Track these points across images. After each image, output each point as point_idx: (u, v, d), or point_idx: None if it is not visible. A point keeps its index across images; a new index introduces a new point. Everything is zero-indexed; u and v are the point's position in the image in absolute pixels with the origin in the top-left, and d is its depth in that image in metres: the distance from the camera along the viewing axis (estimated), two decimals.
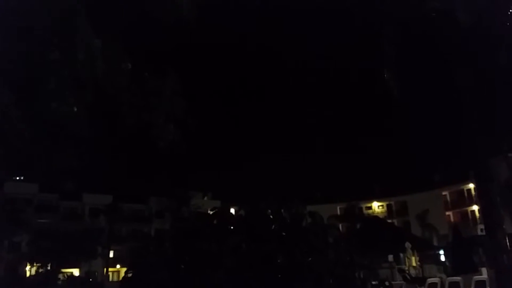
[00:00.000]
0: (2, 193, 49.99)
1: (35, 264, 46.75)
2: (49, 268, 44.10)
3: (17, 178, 56.45)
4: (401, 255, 29.07)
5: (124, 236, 56.35)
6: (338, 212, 62.29)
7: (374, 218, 43.72)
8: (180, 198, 58.85)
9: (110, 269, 54.47)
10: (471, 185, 57.59)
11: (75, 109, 6.65)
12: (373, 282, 6.81)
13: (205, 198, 65.17)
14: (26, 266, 47.38)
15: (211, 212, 6.45)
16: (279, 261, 5.12)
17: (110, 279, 52.12)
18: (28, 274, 46.43)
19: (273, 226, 5.79)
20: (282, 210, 6.06)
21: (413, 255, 26.15)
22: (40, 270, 44.82)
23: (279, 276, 5.28)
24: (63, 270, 45.86)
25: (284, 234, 5.58)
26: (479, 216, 55.13)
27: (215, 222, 6.02)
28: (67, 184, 54.11)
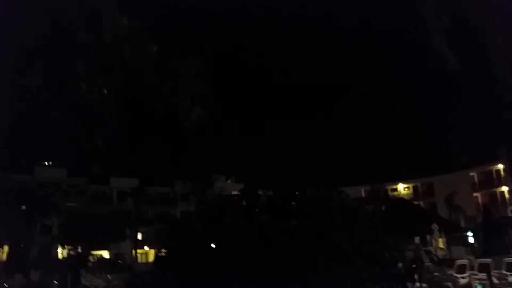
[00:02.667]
0: (33, 178, 51.55)
1: (66, 247, 48.26)
2: (79, 250, 45.47)
3: (46, 163, 58.22)
4: (428, 237, 28.73)
5: (151, 218, 57.53)
6: (363, 194, 61.80)
7: (400, 200, 43.18)
8: (204, 181, 59.55)
9: (138, 251, 55.88)
10: (501, 166, 56.20)
11: (104, 91, 6.70)
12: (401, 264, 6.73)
13: (229, 181, 65.72)
14: (57, 248, 48.98)
15: (237, 193, 6.46)
16: (305, 238, 5.10)
17: (139, 260, 53.51)
18: (60, 256, 48.04)
19: (300, 206, 5.77)
20: (308, 191, 6.02)
21: (440, 237, 25.81)
22: (71, 252, 46.26)
23: (306, 253, 5.27)
24: (93, 252, 47.28)
25: (310, 212, 5.55)
26: (509, 198, 53.92)
27: (243, 203, 6.04)
28: (95, 168, 55.28)
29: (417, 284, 10.47)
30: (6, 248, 44.10)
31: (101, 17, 6.15)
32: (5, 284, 37.67)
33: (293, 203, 5.71)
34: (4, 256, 43.86)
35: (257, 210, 5.75)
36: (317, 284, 4.74)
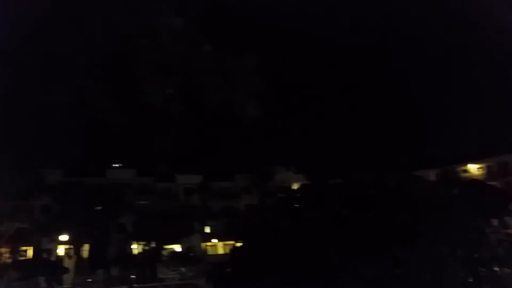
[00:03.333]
0: (105, 180, 54.69)
1: (140, 243, 50.83)
2: (153, 245, 47.76)
3: (116, 165, 61.49)
4: (506, 218, 27.03)
5: (217, 212, 59.09)
6: (433, 178, 59.13)
7: (473, 181, 40.94)
8: (265, 173, 60.15)
9: (207, 244, 57.68)
10: None
11: (167, 93, 6.97)
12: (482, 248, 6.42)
13: (289, 172, 65.79)
14: (133, 245, 51.73)
15: (305, 184, 6.45)
16: (386, 229, 5.01)
17: (209, 252, 55.33)
18: (135, 252, 50.73)
19: (376, 196, 5.68)
20: (383, 179, 5.89)
21: None
22: (146, 248, 48.71)
23: (388, 243, 5.17)
24: (166, 247, 49.47)
25: (389, 202, 5.44)
26: None
27: (314, 193, 6.04)
28: (161, 167, 57.67)
29: (505, 269, 9.94)
30: (87, 246, 47.29)
31: (158, 20, 6.40)
32: (88, 280, 40.51)
33: (368, 192, 5.63)
34: (86, 254, 47.10)
35: (330, 202, 5.74)
36: (403, 272, 4.66)
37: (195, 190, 58.56)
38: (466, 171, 63.23)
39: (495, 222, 25.63)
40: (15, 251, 42.30)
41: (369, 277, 4.47)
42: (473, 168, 64.27)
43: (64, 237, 44.46)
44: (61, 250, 48.34)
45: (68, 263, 44.27)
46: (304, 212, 5.27)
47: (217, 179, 61.56)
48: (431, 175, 59.20)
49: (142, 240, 49.79)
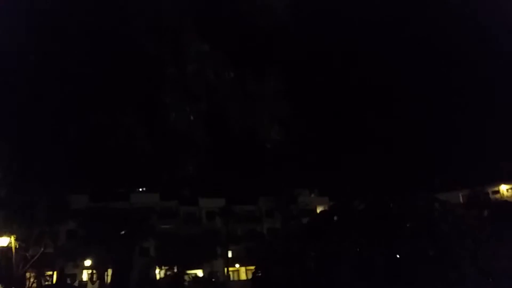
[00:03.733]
0: (129, 204, 55.21)
1: (163, 267, 50.72)
2: (176, 270, 47.57)
3: (140, 189, 62.10)
4: None
5: (240, 236, 58.70)
6: (461, 200, 57.38)
7: (504, 203, 39.52)
8: (288, 196, 59.67)
9: (230, 268, 57.11)
10: None
11: (191, 119, 7.05)
12: None
13: (312, 195, 65.12)
14: (155, 269, 51.67)
15: (327, 208, 6.31)
16: (412, 257, 4.80)
17: (231, 278, 54.63)
18: (158, 276, 50.60)
19: (400, 218, 5.49)
20: (404, 202, 5.71)
21: None
22: (168, 272, 48.53)
23: (407, 274, 4.95)
24: (188, 272, 49.20)
25: (414, 226, 5.23)
26: None
27: (335, 218, 5.89)
28: (185, 191, 57.93)
29: None
30: (110, 271, 47.47)
31: (184, 47, 6.52)
32: None
33: (391, 216, 5.46)
34: (109, 279, 47.24)
35: (351, 227, 5.60)
36: None
37: (218, 213, 58.47)
38: (497, 191, 61.25)
39: None
40: (39, 276, 42.77)
41: None
42: (503, 189, 62.25)
43: (88, 262, 44.81)
44: (85, 275, 48.66)
45: None
46: (326, 239, 5.17)
47: (240, 203, 61.42)
48: (459, 196, 57.47)
49: (165, 265, 49.71)
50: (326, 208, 38.74)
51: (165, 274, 49.01)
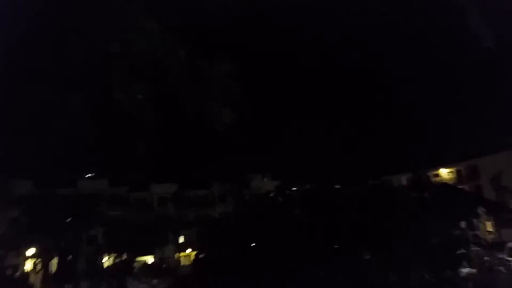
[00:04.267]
0: (77, 190, 53.43)
1: (112, 255, 49.74)
2: (125, 257, 46.80)
3: (88, 175, 60.20)
4: (474, 221, 27.72)
5: (192, 221, 58.58)
6: (405, 183, 60.27)
7: (443, 185, 41.83)
8: (241, 181, 60.14)
9: (181, 254, 57.00)
10: None
11: (139, 100, 6.87)
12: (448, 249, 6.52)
13: (265, 179, 65.92)
14: (103, 257, 50.53)
15: (273, 190, 6.41)
16: (350, 231, 5.01)
17: (182, 263, 54.56)
18: (106, 264, 49.56)
19: (342, 201, 5.71)
20: (348, 184, 5.93)
21: (488, 220, 24.93)
22: (117, 260, 47.66)
23: (351, 247, 5.17)
24: (138, 259, 48.57)
25: (354, 206, 5.46)
26: None
27: (279, 199, 6.02)
28: (135, 176, 56.75)
29: (467, 269, 10.14)
30: (55, 260, 45.92)
31: (133, 24, 6.31)
32: None
33: (334, 197, 5.65)
34: (54, 268, 45.71)
35: (295, 208, 5.74)
36: (365, 274, 4.68)
37: (170, 199, 57.95)
38: (437, 175, 64.80)
39: (463, 224, 26.21)
40: None
41: (336, 279, 4.50)
42: (444, 172, 65.99)
43: (31, 251, 43.03)
44: (28, 265, 46.75)
45: (35, 278, 42.83)
46: (271, 219, 5.25)
47: (192, 188, 61.14)
48: (404, 179, 60.36)
49: (114, 252, 48.76)
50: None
51: (114, 261, 48.06)
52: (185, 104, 8.76)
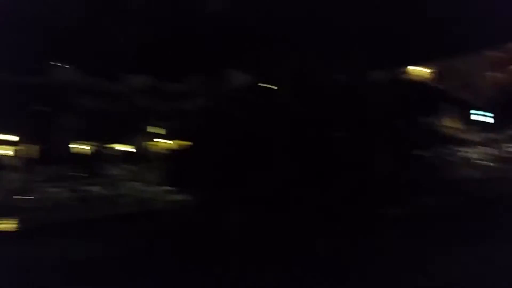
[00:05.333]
0: (49, 79, 51.95)
1: (85, 142, 50.39)
2: (100, 144, 47.56)
3: (62, 65, 58.10)
4: (441, 116, 29.07)
5: (168, 113, 58.97)
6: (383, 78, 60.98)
7: (421, 83, 42.90)
8: (218, 76, 59.60)
9: (156, 143, 58.34)
10: None
11: None
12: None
13: (246, 76, 65.37)
14: (77, 145, 51.02)
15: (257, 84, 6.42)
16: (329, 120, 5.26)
17: (159, 152, 56.01)
18: (82, 151, 50.37)
19: (327, 90, 5.85)
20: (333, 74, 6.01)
21: (453, 116, 26.14)
22: (93, 147, 48.40)
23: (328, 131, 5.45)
24: (114, 146, 49.58)
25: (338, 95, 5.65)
26: None
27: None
28: (110, 67, 55.40)
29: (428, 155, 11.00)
30: (29, 147, 46.18)
31: None
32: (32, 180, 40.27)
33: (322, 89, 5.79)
34: (28, 154, 46.20)
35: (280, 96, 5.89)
36: (345, 154, 5.02)
37: (145, 90, 57.48)
38: (415, 73, 65.74)
39: (431, 118, 27.59)
40: None
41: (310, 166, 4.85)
42: (422, 71, 67.16)
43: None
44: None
45: (7, 164, 43.47)
46: (253, 110, 5.37)
47: (168, 80, 60.27)
48: (382, 75, 60.82)
49: (89, 140, 49.38)
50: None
51: (89, 149, 48.86)
52: None
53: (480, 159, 16.28)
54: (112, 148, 49.16)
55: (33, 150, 46.42)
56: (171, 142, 57.00)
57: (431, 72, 67.87)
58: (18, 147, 45.98)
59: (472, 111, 33.23)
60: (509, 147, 17.53)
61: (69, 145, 48.92)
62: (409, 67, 64.65)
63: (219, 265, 5.72)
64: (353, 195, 4.65)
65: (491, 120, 31.47)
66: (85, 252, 7.78)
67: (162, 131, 58.32)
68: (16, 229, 16.87)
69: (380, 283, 4.59)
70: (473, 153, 17.76)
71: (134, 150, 52.91)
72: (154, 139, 57.44)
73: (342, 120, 4.93)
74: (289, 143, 4.64)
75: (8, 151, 46.61)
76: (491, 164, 14.58)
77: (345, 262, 4.58)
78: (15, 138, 44.01)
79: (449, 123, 26.08)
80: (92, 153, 46.93)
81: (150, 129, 56.36)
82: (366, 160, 4.67)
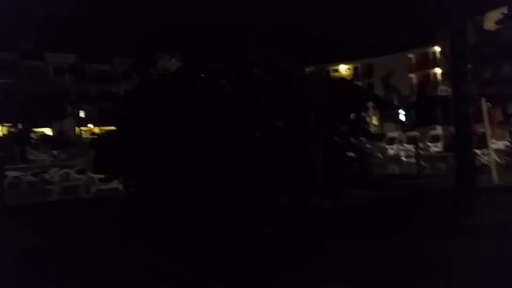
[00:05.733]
0: None
1: (5, 124, 46.80)
2: (20, 127, 44.36)
3: None
4: (363, 114, 30.64)
5: (93, 96, 56.33)
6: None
7: (341, 79, 44.72)
8: (147, 59, 57.71)
9: (82, 128, 55.57)
10: (437, 48, 58.59)
11: None
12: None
13: (173, 60, 64.09)
14: None
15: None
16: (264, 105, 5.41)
17: (83, 136, 53.47)
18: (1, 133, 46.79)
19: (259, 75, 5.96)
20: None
21: (375, 114, 27.66)
22: (12, 129, 45.03)
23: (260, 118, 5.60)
24: (35, 130, 46.39)
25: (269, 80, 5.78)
26: (441, 79, 57.54)
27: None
28: (27, 43, 51.43)
29: (351, 153, 11.69)
30: None
31: None
32: None
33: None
34: None
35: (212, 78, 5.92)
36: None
37: (68, 70, 54.30)
38: (336, 70, 68.56)
39: (352, 116, 28.96)
40: None
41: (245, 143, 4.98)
42: (342, 68, 70.23)
43: None
44: None
45: None
46: (184, 88, 5.33)
47: (93, 61, 57.25)
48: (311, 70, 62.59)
49: (7, 122, 45.86)
50: None
51: (8, 131, 45.36)
52: None
53: (402, 156, 17.55)
54: (35, 131, 46.01)
55: None
56: (98, 127, 54.84)
57: (353, 70, 71.45)
58: None
59: (393, 110, 35.45)
60: (429, 145, 19.05)
61: None
62: (332, 65, 67.57)
63: (152, 255, 5.69)
64: (288, 186, 4.89)
65: (411, 119, 33.77)
66: (14, 241, 7.37)
67: (88, 115, 55.69)
68: None
69: (318, 272, 4.88)
70: (396, 150, 19.08)
71: (58, 135, 49.95)
72: (81, 124, 54.80)
73: (278, 110, 5.13)
74: (221, 131, 4.74)
75: None
76: (413, 161, 15.80)
77: (284, 252, 4.82)
78: None
79: (372, 121, 27.54)
80: (12, 135, 43.48)
81: (76, 111, 53.69)
82: (301, 151, 4.89)
